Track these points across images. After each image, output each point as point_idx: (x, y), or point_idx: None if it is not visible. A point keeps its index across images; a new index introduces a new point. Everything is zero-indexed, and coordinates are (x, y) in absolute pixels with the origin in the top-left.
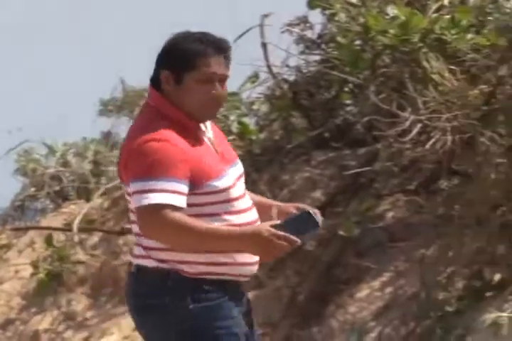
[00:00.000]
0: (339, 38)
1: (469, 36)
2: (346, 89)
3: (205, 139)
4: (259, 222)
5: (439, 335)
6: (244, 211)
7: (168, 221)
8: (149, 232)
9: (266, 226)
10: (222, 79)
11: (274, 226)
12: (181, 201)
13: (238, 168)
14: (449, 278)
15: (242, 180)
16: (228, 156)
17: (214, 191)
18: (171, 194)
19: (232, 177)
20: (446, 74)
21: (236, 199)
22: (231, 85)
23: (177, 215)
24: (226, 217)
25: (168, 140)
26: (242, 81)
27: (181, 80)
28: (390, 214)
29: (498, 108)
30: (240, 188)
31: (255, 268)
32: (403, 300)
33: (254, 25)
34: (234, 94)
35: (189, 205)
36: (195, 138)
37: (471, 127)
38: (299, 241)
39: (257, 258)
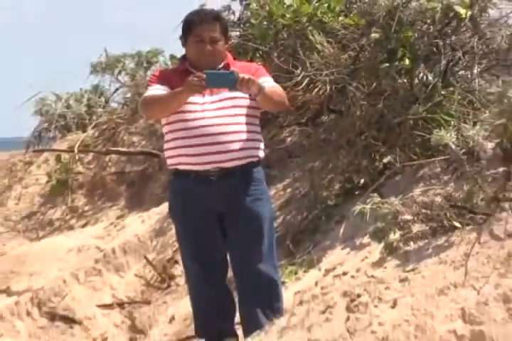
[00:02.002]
0: (252, 20)
1: (341, 18)
2: (258, 55)
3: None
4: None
5: (324, 221)
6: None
7: None
8: None
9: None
10: (213, 40)
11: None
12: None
13: (219, 96)
14: (329, 182)
15: (221, 103)
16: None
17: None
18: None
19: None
20: (325, 44)
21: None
22: None
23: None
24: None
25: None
26: None
27: (186, 42)
28: (289, 139)
29: (361, 67)
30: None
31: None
32: (298, 197)
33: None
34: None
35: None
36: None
37: (343, 80)
38: (203, 75)
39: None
